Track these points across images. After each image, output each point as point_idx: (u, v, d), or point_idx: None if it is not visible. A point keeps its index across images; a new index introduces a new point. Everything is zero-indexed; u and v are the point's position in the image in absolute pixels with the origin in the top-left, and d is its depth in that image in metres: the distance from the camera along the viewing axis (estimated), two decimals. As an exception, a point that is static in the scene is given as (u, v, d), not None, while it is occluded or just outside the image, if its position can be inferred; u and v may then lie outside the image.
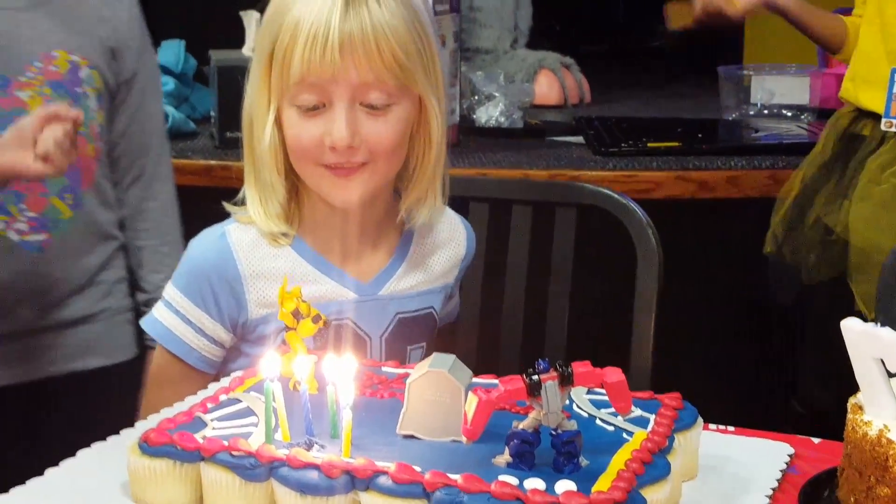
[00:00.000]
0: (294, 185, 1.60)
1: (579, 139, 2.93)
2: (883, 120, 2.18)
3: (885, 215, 2.14)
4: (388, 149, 1.55)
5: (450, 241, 1.71)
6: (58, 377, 2.08)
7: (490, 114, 3.08)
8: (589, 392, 1.32)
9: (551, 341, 1.94)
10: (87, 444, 1.34)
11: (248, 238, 1.60)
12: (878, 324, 1.16)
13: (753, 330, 2.84)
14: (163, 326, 1.62)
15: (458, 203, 1.81)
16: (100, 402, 2.01)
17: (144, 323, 1.66)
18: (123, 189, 2.16)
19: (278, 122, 1.55)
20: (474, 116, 3.10)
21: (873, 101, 2.24)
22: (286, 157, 1.57)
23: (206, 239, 1.63)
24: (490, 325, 1.97)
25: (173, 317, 1.61)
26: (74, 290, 2.08)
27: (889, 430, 1.12)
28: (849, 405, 1.19)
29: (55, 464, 1.28)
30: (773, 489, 1.27)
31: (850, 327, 1.16)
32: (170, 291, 1.62)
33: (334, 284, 1.59)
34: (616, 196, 1.95)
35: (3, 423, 2.05)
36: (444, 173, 1.67)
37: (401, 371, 1.42)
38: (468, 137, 3.01)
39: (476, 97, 3.17)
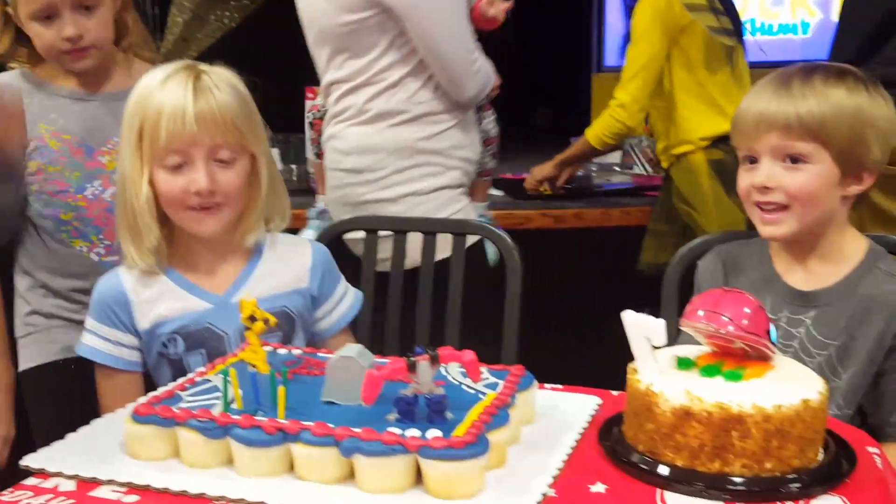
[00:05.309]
0: (165, 228, 1.56)
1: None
2: None
3: None
4: (236, 191, 1.54)
5: (296, 257, 1.65)
6: None
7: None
8: (460, 367, 1.29)
9: (451, 331, 1.91)
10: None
11: (133, 275, 1.57)
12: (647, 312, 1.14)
13: (591, 315, 2.82)
14: (90, 348, 1.57)
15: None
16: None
17: (79, 350, 1.59)
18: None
19: (151, 182, 1.51)
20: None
21: None
22: (158, 207, 1.53)
23: (106, 279, 1.60)
24: (407, 319, 1.96)
25: (94, 338, 1.57)
26: None
27: (652, 386, 1.11)
28: (628, 369, 1.17)
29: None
30: (584, 427, 1.25)
31: (626, 317, 1.14)
32: (88, 321, 1.58)
33: (195, 299, 1.56)
34: (491, 227, 1.96)
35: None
36: (287, 207, 1.66)
37: (328, 356, 1.36)
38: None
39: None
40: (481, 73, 2.20)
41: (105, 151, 1.92)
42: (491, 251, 2.35)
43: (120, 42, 1.94)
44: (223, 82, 1.51)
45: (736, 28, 2.57)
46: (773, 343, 1.14)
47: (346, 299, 1.70)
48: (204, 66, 1.53)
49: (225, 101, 1.49)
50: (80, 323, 1.88)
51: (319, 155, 2.49)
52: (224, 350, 1.55)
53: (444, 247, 1.99)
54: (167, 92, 1.48)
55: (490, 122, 2.40)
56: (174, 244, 1.58)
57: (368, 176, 2.19)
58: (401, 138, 2.17)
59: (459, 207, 2.23)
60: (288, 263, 1.64)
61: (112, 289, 1.56)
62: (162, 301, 1.55)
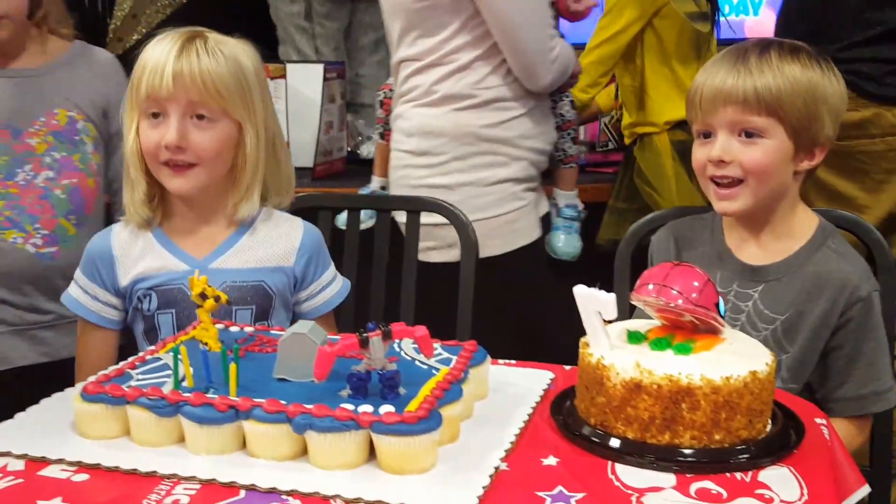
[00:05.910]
0: (156, 182, 1.57)
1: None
2: None
3: None
4: (210, 153, 1.53)
5: (285, 235, 1.63)
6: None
7: (369, 149, 3.02)
8: (413, 343, 1.29)
9: (406, 304, 1.91)
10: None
11: (126, 231, 1.59)
12: (598, 287, 1.15)
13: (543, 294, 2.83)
14: (73, 299, 1.59)
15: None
16: None
17: (63, 299, 1.61)
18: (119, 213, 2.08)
19: (138, 131, 1.53)
20: (358, 151, 3.07)
21: None
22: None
23: (99, 235, 1.62)
24: (361, 294, 1.95)
25: (78, 289, 1.59)
26: None
27: (604, 359, 1.11)
28: (580, 343, 1.18)
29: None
30: (537, 401, 1.26)
31: (579, 291, 1.14)
32: (77, 272, 1.60)
33: (175, 260, 1.56)
34: (447, 205, 1.94)
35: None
36: (289, 187, 1.66)
37: (281, 333, 1.36)
38: (355, 166, 2.97)
39: (360, 138, 3.13)
40: (558, 63, 2.13)
41: (33, 133, 1.86)
42: (565, 244, 2.37)
43: (33, 15, 1.88)
44: (220, 50, 1.51)
45: (712, 10, 2.57)
46: (721, 316, 1.15)
47: (333, 287, 1.69)
48: (210, 34, 1.54)
49: (209, 65, 1.49)
50: (23, 327, 1.85)
51: (383, 135, 2.44)
52: (193, 313, 1.53)
53: (492, 245, 2.05)
54: (156, 49, 1.50)
55: (566, 104, 2.32)
56: (166, 204, 1.59)
57: (430, 160, 2.14)
58: (465, 123, 2.11)
59: (519, 206, 2.17)
60: (277, 240, 1.62)
61: (99, 246, 1.59)
62: (144, 258, 1.56)
